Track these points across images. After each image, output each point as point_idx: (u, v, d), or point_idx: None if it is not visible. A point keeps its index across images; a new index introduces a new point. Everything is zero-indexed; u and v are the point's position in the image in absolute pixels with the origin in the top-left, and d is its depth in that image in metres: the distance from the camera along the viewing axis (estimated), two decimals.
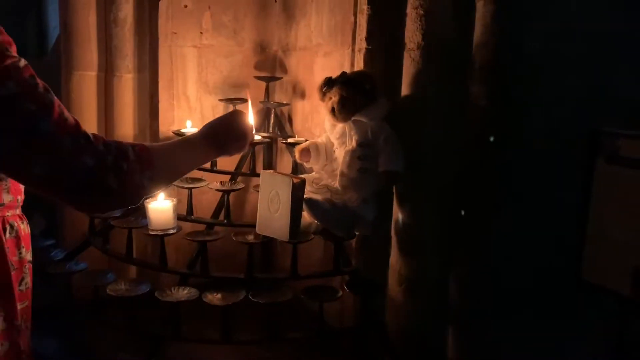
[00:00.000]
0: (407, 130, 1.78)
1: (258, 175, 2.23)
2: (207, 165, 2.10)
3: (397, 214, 1.85)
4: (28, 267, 1.10)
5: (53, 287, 1.94)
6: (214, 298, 1.78)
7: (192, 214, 2.15)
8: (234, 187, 2.17)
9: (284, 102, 2.55)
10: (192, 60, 2.54)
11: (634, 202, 1.38)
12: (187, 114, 2.57)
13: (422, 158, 1.76)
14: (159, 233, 1.88)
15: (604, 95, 1.56)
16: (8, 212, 1.05)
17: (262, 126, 2.50)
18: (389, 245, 1.90)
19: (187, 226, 2.15)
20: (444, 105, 1.72)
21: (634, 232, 1.37)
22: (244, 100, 2.45)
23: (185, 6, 2.50)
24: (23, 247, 1.09)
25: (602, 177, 1.46)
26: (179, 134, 2.37)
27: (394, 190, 1.85)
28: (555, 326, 1.60)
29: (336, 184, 1.81)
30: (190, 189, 2.13)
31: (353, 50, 2.03)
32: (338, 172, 1.81)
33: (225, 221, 2.13)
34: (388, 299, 1.91)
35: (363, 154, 1.77)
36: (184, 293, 1.81)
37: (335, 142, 1.86)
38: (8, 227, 1.05)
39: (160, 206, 1.87)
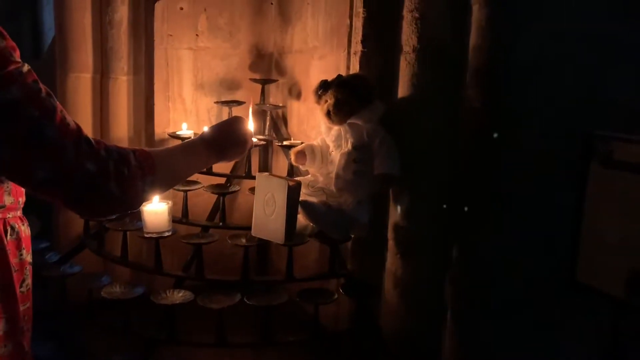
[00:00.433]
0: (402, 133, 1.79)
1: (254, 177, 2.23)
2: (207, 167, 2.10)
3: (393, 217, 1.85)
4: (29, 268, 1.11)
5: (48, 289, 1.93)
6: (209, 301, 1.77)
7: (187, 217, 2.14)
8: (230, 190, 2.17)
9: (280, 105, 2.55)
10: (187, 63, 2.54)
11: (628, 205, 1.39)
12: (182, 116, 2.56)
13: (417, 160, 1.76)
14: (154, 236, 1.88)
15: (598, 98, 1.57)
16: (9, 214, 1.06)
17: (258, 129, 2.50)
18: (384, 248, 1.90)
19: (182, 229, 2.15)
20: (440, 108, 1.73)
21: (628, 235, 1.38)
22: (240, 103, 2.45)
23: (181, 8, 2.50)
24: (24, 248, 1.10)
25: (597, 180, 1.47)
26: (174, 136, 2.37)
27: (389, 193, 1.85)
28: (550, 327, 1.60)
29: (332, 186, 1.81)
30: (185, 191, 2.13)
31: (349, 53, 2.04)
32: (333, 174, 1.81)
33: (221, 224, 2.13)
34: (383, 301, 1.91)
35: (359, 157, 1.77)
36: (179, 296, 1.80)
37: (331, 145, 1.86)
38: (9, 229, 1.06)
39: (155, 209, 1.87)
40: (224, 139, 1.18)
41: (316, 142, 1.92)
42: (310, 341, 1.95)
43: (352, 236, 1.92)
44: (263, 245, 2.13)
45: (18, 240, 1.08)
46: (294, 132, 2.54)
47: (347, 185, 1.79)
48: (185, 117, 2.57)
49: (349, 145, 1.78)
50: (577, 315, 1.58)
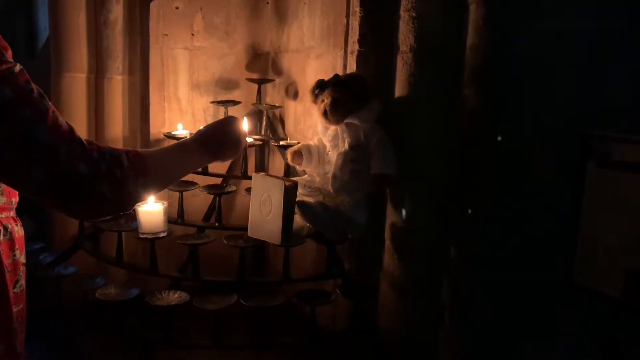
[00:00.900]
0: (399, 133, 1.78)
1: (250, 178, 2.22)
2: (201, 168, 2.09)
3: (390, 217, 1.85)
4: (22, 269, 1.11)
5: (42, 291, 1.91)
6: (206, 302, 1.76)
7: (183, 217, 2.13)
8: (226, 190, 2.15)
9: (276, 105, 2.54)
10: (183, 62, 2.52)
11: (626, 205, 1.38)
12: (178, 116, 2.55)
13: (414, 160, 1.76)
14: (150, 236, 1.86)
15: (595, 97, 1.57)
16: (2, 214, 1.06)
17: (254, 128, 2.49)
18: (381, 248, 1.89)
19: (178, 229, 2.14)
20: (437, 107, 1.72)
21: (625, 235, 1.38)
22: (236, 103, 2.44)
23: (177, 8, 2.49)
24: (17, 249, 1.09)
25: (594, 180, 1.47)
26: (170, 136, 2.35)
27: (386, 193, 1.85)
28: (547, 327, 1.60)
29: (329, 186, 1.80)
30: (181, 191, 2.11)
31: (345, 53, 2.03)
32: (330, 174, 1.80)
33: (217, 224, 2.12)
34: (381, 302, 1.90)
35: (355, 157, 1.76)
36: (174, 297, 1.79)
37: (328, 145, 1.85)
38: (2, 230, 1.05)
39: (151, 209, 1.85)
40: (218, 139, 1.17)
41: (313, 142, 1.91)
42: (308, 342, 1.94)
43: (349, 237, 1.91)
44: (259, 246, 2.11)
45: (11, 240, 1.07)
46: (291, 132, 2.53)
47: (344, 185, 1.78)
48: (181, 117, 2.55)
49: (346, 145, 1.78)
50: (574, 315, 1.58)
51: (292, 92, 2.50)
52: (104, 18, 2.43)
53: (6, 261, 1.05)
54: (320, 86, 1.78)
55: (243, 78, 2.58)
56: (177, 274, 1.95)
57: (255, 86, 2.52)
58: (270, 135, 2.50)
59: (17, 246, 1.09)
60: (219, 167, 2.28)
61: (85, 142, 0.92)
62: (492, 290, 1.64)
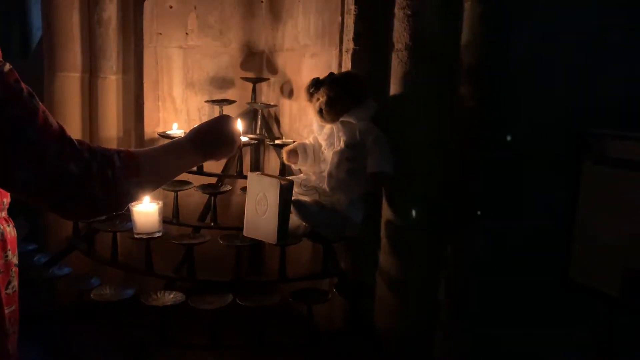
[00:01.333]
0: (395, 131, 1.78)
1: (245, 177, 2.21)
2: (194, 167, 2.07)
3: (386, 215, 1.84)
4: (15, 270, 1.09)
5: (36, 292, 1.90)
6: (201, 302, 1.75)
7: (178, 217, 2.12)
8: (221, 190, 2.14)
9: (272, 104, 2.53)
10: (177, 61, 2.51)
11: (621, 202, 1.38)
12: (173, 116, 2.53)
13: (410, 158, 1.75)
14: (145, 237, 1.85)
15: (589, 95, 1.57)
16: None
17: (249, 127, 2.48)
18: (377, 247, 1.89)
19: (173, 229, 2.13)
20: (432, 105, 1.72)
21: (621, 233, 1.38)
22: (231, 102, 2.43)
23: (171, 7, 2.47)
24: (9, 250, 1.08)
25: (589, 177, 1.47)
26: (164, 135, 2.34)
27: (382, 191, 1.84)
28: (543, 325, 1.60)
29: (325, 185, 1.80)
30: (176, 191, 2.10)
31: (340, 51, 2.02)
32: (326, 173, 1.80)
33: (212, 224, 2.10)
34: (377, 301, 1.90)
35: (351, 155, 1.76)
36: (170, 297, 1.78)
37: (324, 144, 1.84)
38: None
39: (146, 209, 1.84)
40: (212, 137, 1.15)
41: (308, 140, 1.91)
42: (304, 341, 1.94)
43: (345, 235, 1.91)
44: (255, 245, 2.10)
45: (3, 241, 1.06)
46: (286, 130, 2.52)
47: (340, 184, 1.77)
48: (176, 116, 2.54)
49: (342, 144, 1.77)
50: (570, 313, 1.58)
51: (287, 91, 2.49)
52: (98, 17, 2.41)
53: None
54: (316, 85, 1.77)
55: (238, 77, 2.57)
56: (173, 274, 1.94)
57: (250, 85, 2.51)
58: (266, 134, 2.49)
59: (9, 247, 1.08)
60: (214, 166, 2.27)
61: (76, 142, 0.90)
62: (488, 288, 1.64)
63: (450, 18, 1.66)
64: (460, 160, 1.66)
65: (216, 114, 2.47)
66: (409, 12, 1.71)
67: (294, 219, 1.77)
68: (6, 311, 1.05)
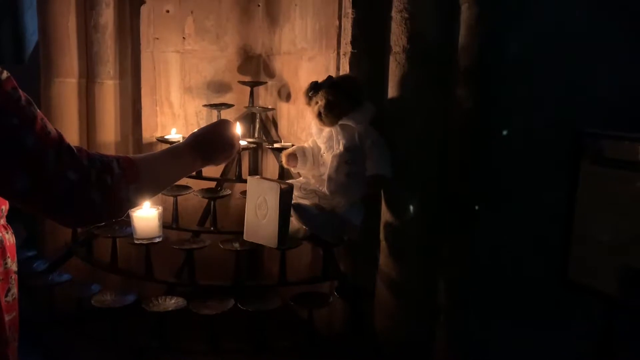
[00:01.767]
0: (393, 133, 1.78)
1: (244, 181, 2.21)
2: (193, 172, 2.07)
3: (385, 217, 1.85)
4: (14, 277, 1.09)
5: (35, 299, 1.89)
6: (202, 307, 1.74)
7: (178, 222, 2.11)
8: (220, 194, 2.14)
9: (269, 107, 2.53)
10: (175, 66, 2.51)
11: (619, 202, 1.39)
12: (170, 120, 2.53)
13: (409, 160, 1.76)
14: (145, 242, 1.85)
15: (584, 95, 1.58)
16: None
17: (247, 131, 2.48)
18: (376, 249, 1.89)
19: (173, 234, 2.12)
20: (430, 107, 1.72)
21: (620, 232, 1.38)
22: (229, 106, 2.42)
23: (167, 11, 2.47)
24: (8, 257, 1.08)
25: (587, 178, 1.47)
26: (163, 140, 2.34)
27: (381, 194, 1.84)
28: (543, 326, 1.61)
29: (324, 188, 1.80)
30: (175, 196, 2.09)
31: (338, 54, 2.02)
32: (326, 176, 1.80)
33: (212, 228, 2.10)
34: (377, 303, 1.90)
35: (351, 158, 1.76)
36: (171, 303, 1.77)
37: (323, 147, 1.84)
38: None
39: (146, 214, 1.84)
40: (210, 142, 1.16)
41: (307, 144, 1.91)
42: (304, 345, 1.93)
43: (345, 238, 1.91)
44: (255, 249, 2.10)
45: (2, 248, 1.06)
46: (284, 134, 2.52)
47: (340, 187, 1.77)
48: (174, 121, 2.54)
49: (341, 147, 1.77)
50: (569, 313, 1.59)
51: (285, 94, 2.49)
52: (94, 22, 2.40)
53: None
54: (314, 88, 1.77)
55: (235, 81, 2.57)
56: (173, 279, 1.93)
57: (248, 89, 2.51)
58: (264, 138, 2.49)
59: (8, 254, 1.08)
60: (213, 170, 2.26)
61: (74, 149, 0.90)
62: (487, 289, 1.64)
63: (447, 20, 1.67)
64: (458, 161, 1.67)
65: (214, 118, 2.47)
66: (406, 15, 1.71)
67: (294, 223, 1.77)
68: (6, 319, 1.05)
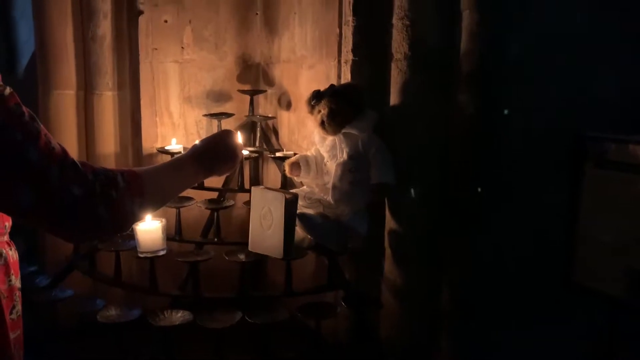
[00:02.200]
0: (395, 140, 1.78)
1: (246, 191, 2.19)
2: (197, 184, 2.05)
3: (389, 224, 1.84)
4: (18, 294, 1.08)
5: (38, 314, 1.87)
6: (209, 321, 1.72)
7: (181, 234, 2.09)
8: (224, 205, 2.13)
9: (270, 115, 2.52)
10: (174, 76, 2.49)
11: (623, 205, 1.39)
12: (170, 131, 2.52)
13: (412, 167, 1.75)
14: (149, 255, 1.83)
15: (585, 96, 1.59)
16: None
17: (247, 140, 2.47)
18: (381, 256, 1.88)
19: (174, 245, 2.10)
20: (432, 113, 1.72)
21: (623, 234, 1.39)
22: (229, 115, 2.41)
23: (166, 21, 2.46)
24: (12, 274, 1.06)
25: (591, 180, 1.48)
26: (163, 151, 2.32)
27: (385, 201, 1.84)
28: (546, 328, 1.61)
29: (328, 197, 1.79)
30: (178, 208, 2.08)
31: (339, 62, 2.02)
32: (330, 185, 1.79)
33: (216, 239, 2.08)
34: (382, 310, 1.89)
35: (354, 167, 1.75)
36: (177, 317, 1.75)
37: (326, 155, 1.84)
38: None
39: (149, 227, 1.82)
40: (213, 153, 1.15)
41: (310, 152, 1.90)
42: (312, 355, 1.92)
43: (350, 247, 1.90)
44: (258, 259, 2.08)
45: (6, 265, 1.05)
46: (285, 142, 2.51)
47: (344, 196, 1.77)
48: (174, 131, 2.52)
49: (345, 155, 1.77)
50: (572, 315, 1.59)
51: (285, 103, 2.49)
52: (92, 33, 2.39)
53: (2, 287, 1.02)
54: (317, 97, 1.77)
55: (234, 90, 2.56)
56: (178, 292, 1.91)
57: (247, 97, 2.50)
58: (265, 147, 2.48)
59: (12, 271, 1.06)
60: (215, 180, 2.25)
61: (79, 163, 0.89)
62: (491, 293, 1.64)
63: (448, 26, 1.67)
64: (461, 166, 1.66)
65: (214, 128, 2.46)
66: (407, 23, 1.72)
67: (298, 232, 1.77)
68: (11, 337, 1.03)
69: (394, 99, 1.78)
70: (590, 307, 1.50)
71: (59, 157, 0.87)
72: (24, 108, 0.87)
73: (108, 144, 2.48)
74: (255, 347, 1.83)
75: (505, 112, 1.60)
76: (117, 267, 1.93)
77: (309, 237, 1.81)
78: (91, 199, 0.88)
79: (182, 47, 2.49)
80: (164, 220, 1.89)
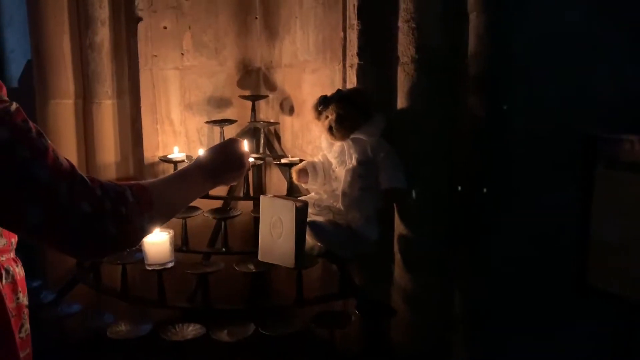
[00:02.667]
0: (404, 144, 1.76)
1: (252, 199, 2.17)
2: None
3: (399, 229, 1.82)
4: (26, 312, 1.07)
5: (45, 331, 1.83)
6: (222, 334, 1.69)
7: (188, 244, 2.06)
8: (231, 214, 2.10)
9: (272, 121, 2.50)
10: (174, 83, 2.46)
11: (635, 206, 1.39)
12: (172, 138, 2.48)
13: (421, 171, 1.74)
14: (157, 268, 1.80)
15: (586, 97, 1.57)
16: (2, 256, 1.02)
17: (251, 146, 2.44)
18: (391, 261, 1.87)
19: (179, 256, 2.07)
20: (440, 117, 1.71)
21: (637, 235, 1.38)
22: (231, 121, 2.38)
23: (165, 28, 2.43)
24: (20, 292, 1.05)
25: (603, 182, 1.47)
26: (166, 160, 2.29)
27: (394, 206, 1.82)
28: (560, 332, 1.59)
29: (338, 204, 1.77)
30: (185, 218, 2.05)
31: (344, 66, 2.00)
32: (339, 192, 1.77)
33: (224, 249, 2.05)
34: (394, 318, 1.87)
35: (364, 172, 1.73)
36: (189, 330, 1.72)
37: (334, 161, 1.82)
38: (4, 273, 1.01)
39: (157, 240, 1.79)
40: (220, 163, 1.15)
41: (317, 158, 1.88)
42: None
43: (360, 253, 1.88)
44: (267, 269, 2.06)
45: (14, 283, 1.04)
46: (288, 147, 2.49)
47: (354, 202, 1.74)
48: (175, 138, 2.49)
49: (354, 161, 1.75)
50: (587, 319, 1.58)
51: (288, 108, 2.46)
52: (90, 41, 2.35)
53: (10, 305, 1.00)
54: (324, 102, 1.75)
55: (235, 95, 2.53)
56: (189, 305, 1.88)
57: (248, 103, 2.48)
58: (268, 153, 2.45)
59: (19, 288, 1.05)
60: (220, 189, 2.21)
61: (87, 179, 0.88)
62: (504, 298, 1.62)
63: (455, 29, 1.66)
64: (470, 170, 1.65)
65: (216, 135, 2.43)
66: (413, 25, 1.70)
67: (308, 240, 1.74)
68: (21, 356, 1.01)
69: (401, 102, 1.76)
70: (606, 311, 1.49)
71: (67, 173, 0.86)
72: (31, 124, 0.86)
73: (108, 154, 2.45)
74: (268, 357, 1.80)
75: (514, 114, 1.59)
76: (124, 281, 1.90)
77: (319, 244, 1.78)
78: (101, 216, 0.87)
79: (182, 54, 2.46)
80: (171, 231, 1.86)
